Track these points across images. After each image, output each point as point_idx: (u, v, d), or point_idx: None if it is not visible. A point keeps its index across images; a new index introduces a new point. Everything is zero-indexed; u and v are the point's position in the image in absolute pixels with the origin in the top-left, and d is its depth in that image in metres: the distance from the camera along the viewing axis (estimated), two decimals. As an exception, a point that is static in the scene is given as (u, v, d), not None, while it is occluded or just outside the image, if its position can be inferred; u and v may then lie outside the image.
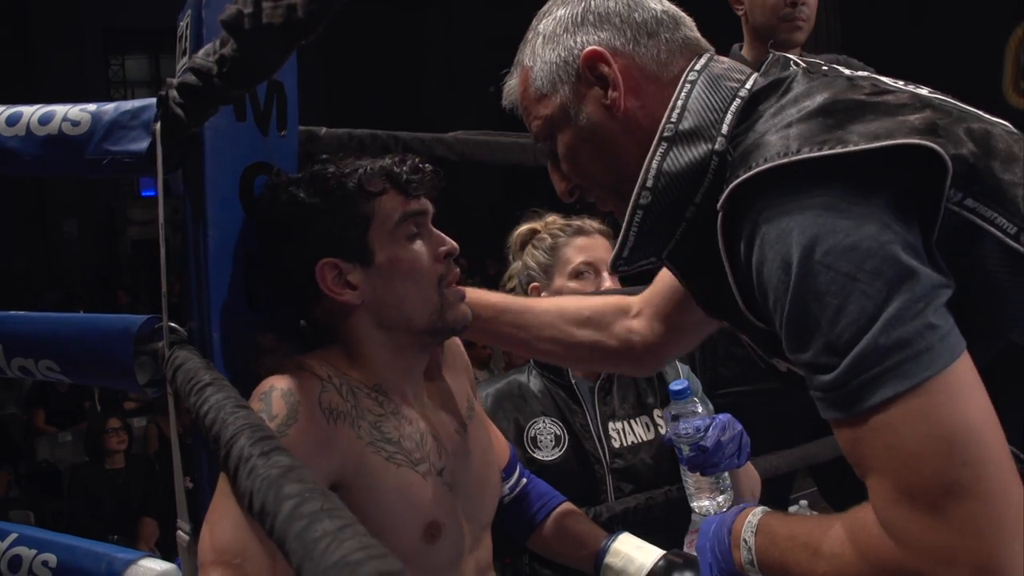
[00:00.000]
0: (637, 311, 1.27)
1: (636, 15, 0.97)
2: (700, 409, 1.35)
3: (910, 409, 0.69)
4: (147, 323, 1.18)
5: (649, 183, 0.88)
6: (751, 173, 0.78)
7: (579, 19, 0.98)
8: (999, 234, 0.76)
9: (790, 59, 0.92)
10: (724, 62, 0.96)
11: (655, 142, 0.89)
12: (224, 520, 0.93)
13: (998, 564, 0.67)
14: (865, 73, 0.87)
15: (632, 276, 1.09)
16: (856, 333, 0.71)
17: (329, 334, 1.14)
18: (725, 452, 1.30)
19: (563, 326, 1.28)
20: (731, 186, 0.80)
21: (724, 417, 1.32)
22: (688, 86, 0.91)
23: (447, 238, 1.15)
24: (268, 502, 0.52)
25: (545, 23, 1.01)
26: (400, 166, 1.11)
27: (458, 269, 1.16)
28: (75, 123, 1.22)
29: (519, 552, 1.57)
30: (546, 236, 1.69)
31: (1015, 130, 0.85)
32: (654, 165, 0.89)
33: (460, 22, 12.30)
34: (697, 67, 0.93)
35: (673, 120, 0.89)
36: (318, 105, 10.91)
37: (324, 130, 1.31)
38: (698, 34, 1.00)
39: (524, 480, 1.41)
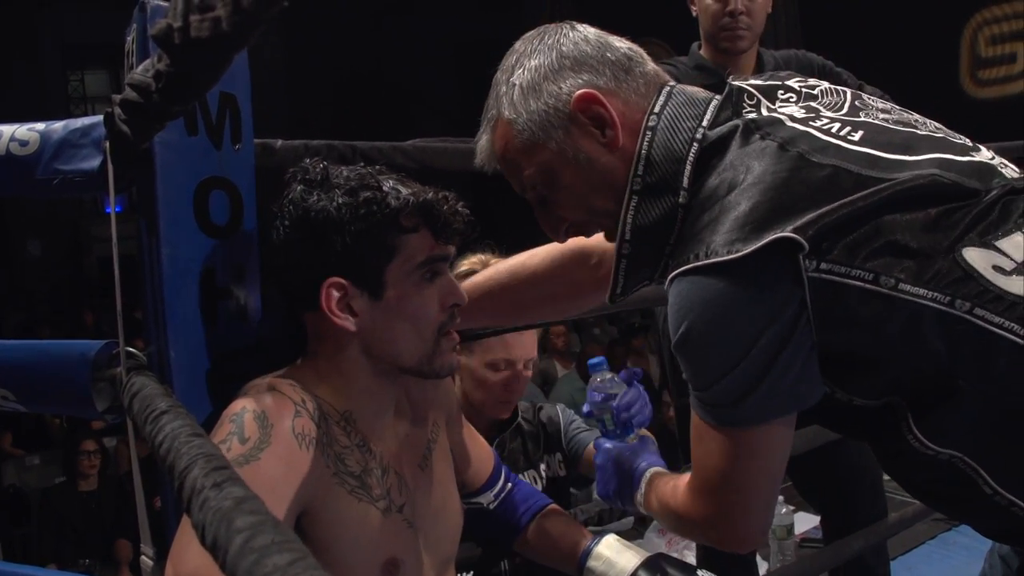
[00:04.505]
0: (597, 260, 1.30)
1: (608, 55, 1.02)
2: (611, 376, 1.36)
3: (720, 439, 0.94)
4: (104, 348, 1.15)
5: (628, 236, 0.98)
6: (680, 270, 0.91)
7: (556, 66, 1.01)
8: (858, 284, 0.86)
9: (743, 96, 1.00)
10: (680, 95, 1.01)
11: (627, 195, 0.98)
12: (189, 548, 0.90)
13: (744, 534, 0.99)
14: (801, 128, 0.94)
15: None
16: (712, 379, 0.91)
17: (308, 346, 1.11)
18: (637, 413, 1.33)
19: (526, 297, 1.35)
20: (669, 276, 0.93)
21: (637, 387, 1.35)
22: (649, 133, 0.98)
23: (458, 288, 1.11)
24: (220, 536, 0.50)
25: (519, 75, 1.03)
26: (440, 205, 1.07)
27: (459, 319, 1.13)
28: (23, 143, 1.18)
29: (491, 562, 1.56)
30: None
31: (938, 177, 0.89)
32: (629, 219, 0.98)
33: (422, 25, 12.25)
34: (656, 109, 1.00)
35: (640, 173, 0.97)
36: (280, 112, 10.80)
37: (280, 142, 1.29)
38: (655, 65, 1.07)
39: (509, 484, 1.39)
